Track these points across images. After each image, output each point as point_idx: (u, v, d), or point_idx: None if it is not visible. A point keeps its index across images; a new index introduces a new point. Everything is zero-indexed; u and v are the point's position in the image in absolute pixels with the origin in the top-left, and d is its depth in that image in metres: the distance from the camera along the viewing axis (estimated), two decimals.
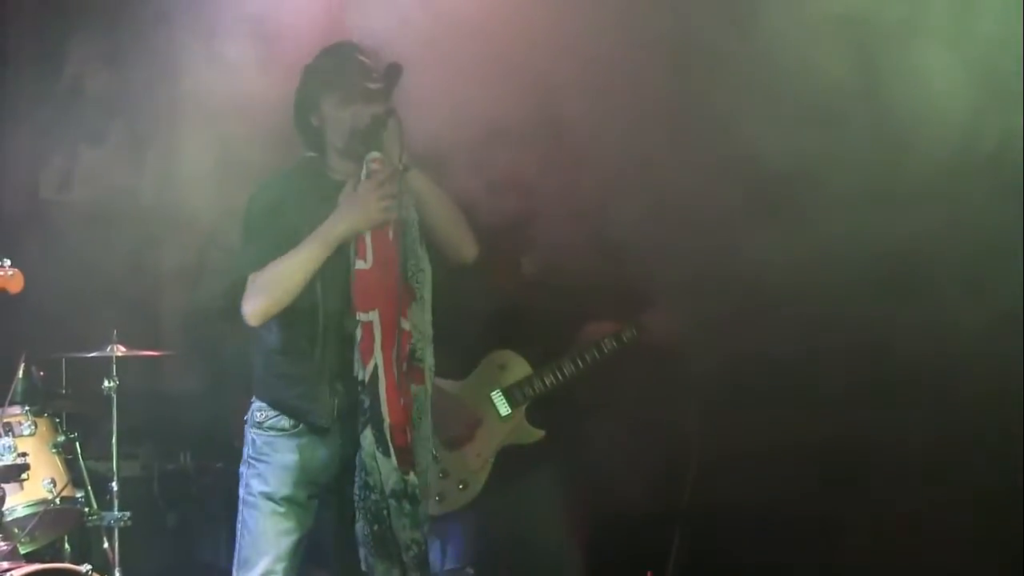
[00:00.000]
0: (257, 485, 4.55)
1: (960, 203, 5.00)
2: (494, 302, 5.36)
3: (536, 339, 5.47)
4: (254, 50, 5.45)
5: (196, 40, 5.71)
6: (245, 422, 4.63)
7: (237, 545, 4.61)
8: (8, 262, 5.38)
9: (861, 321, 5.35)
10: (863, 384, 5.51)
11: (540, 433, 5.44)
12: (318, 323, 4.47)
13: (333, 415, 4.49)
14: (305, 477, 4.53)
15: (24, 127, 7.21)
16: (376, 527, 4.39)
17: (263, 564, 4.51)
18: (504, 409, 5.43)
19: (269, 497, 4.53)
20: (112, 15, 5.94)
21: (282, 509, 4.52)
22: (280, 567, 4.51)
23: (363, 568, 4.45)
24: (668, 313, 5.42)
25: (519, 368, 5.47)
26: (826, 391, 5.54)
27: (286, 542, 4.53)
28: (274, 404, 4.54)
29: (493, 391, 5.44)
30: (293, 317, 4.47)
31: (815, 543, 5.99)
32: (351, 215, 4.47)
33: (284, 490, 4.52)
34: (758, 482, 5.87)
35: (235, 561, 4.60)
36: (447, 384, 5.27)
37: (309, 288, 4.44)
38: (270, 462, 4.54)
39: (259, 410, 4.57)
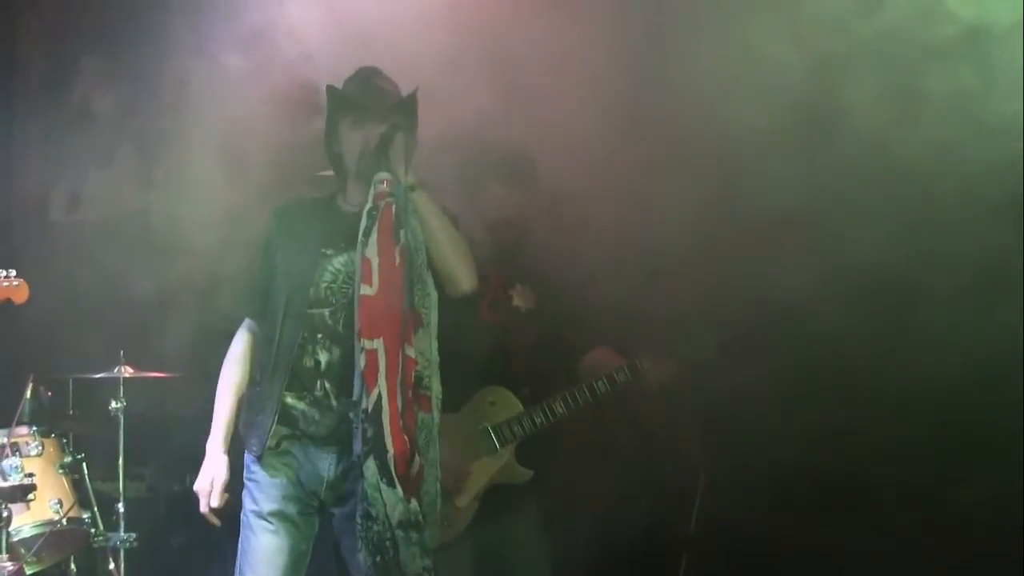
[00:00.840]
0: (249, 504, 4.59)
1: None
2: (484, 335, 5.33)
3: (526, 377, 5.41)
4: (263, 71, 5.46)
5: (204, 60, 5.72)
6: None
7: (236, 566, 4.62)
8: (14, 272, 5.41)
9: (863, 341, 5.36)
10: (867, 406, 5.51)
11: (529, 473, 5.32)
12: (271, 354, 4.54)
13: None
14: (293, 492, 4.54)
15: (33, 149, 7.24)
16: (379, 558, 4.36)
17: None
18: (493, 447, 5.37)
19: (259, 515, 4.54)
20: (121, 38, 5.96)
21: (272, 526, 4.53)
22: None
23: None
24: (660, 355, 5.36)
25: (509, 406, 5.33)
26: (829, 415, 5.54)
27: (280, 560, 4.53)
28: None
29: (483, 428, 5.38)
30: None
31: (822, 568, 5.99)
32: None
33: (272, 506, 4.53)
34: (764, 507, 5.86)
35: None
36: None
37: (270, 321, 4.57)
38: (258, 480, 4.57)
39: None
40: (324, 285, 4.54)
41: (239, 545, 4.63)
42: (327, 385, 4.52)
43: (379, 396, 4.36)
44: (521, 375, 5.35)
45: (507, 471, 5.32)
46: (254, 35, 5.58)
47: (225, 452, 4.64)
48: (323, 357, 4.52)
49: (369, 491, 4.37)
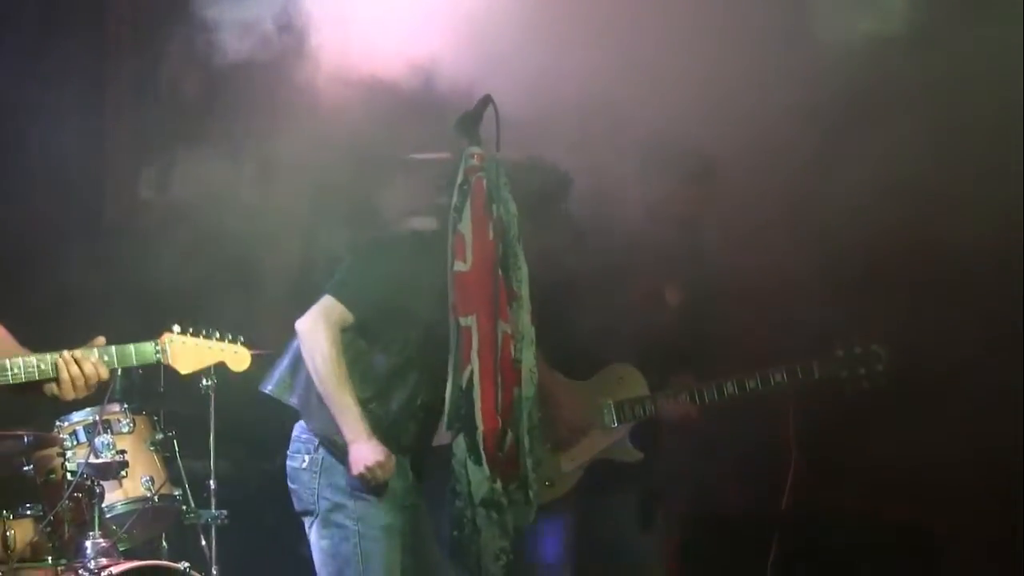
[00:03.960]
0: (355, 515, 4.70)
1: None
2: (630, 318, 5.33)
3: (660, 364, 5.42)
4: (352, 59, 5.45)
5: (292, 40, 5.72)
6: None
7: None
8: (241, 339, 4.87)
9: None
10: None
11: (639, 455, 5.38)
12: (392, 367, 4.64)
13: None
14: (398, 502, 4.69)
15: (125, 129, 7.28)
16: (456, 533, 4.38)
17: None
18: (611, 422, 5.37)
19: (371, 526, 4.67)
20: (210, 19, 5.96)
21: (386, 537, 4.67)
22: None
23: None
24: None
25: (636, 386, 5.43)
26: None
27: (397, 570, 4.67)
28: None
29: (605, 401, 5.38)
30: None
31: (914, 550, 5.94)
32: None
33: (385, 519, 4.69)
34: (857, 489, 5.83)
35: None
36: (567, 382, 5.28)
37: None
38: (367, 498, 4.69)
39: None
40: None
41: (340, 555, 4.69)
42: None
43: (471, 373, 4.36)
44: (655, 360, 5.37)
45: (618, 448, 5.36)
46: (338, 19, 5.55)
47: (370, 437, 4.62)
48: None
49: (456, 467, 4.40)
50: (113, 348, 4.37)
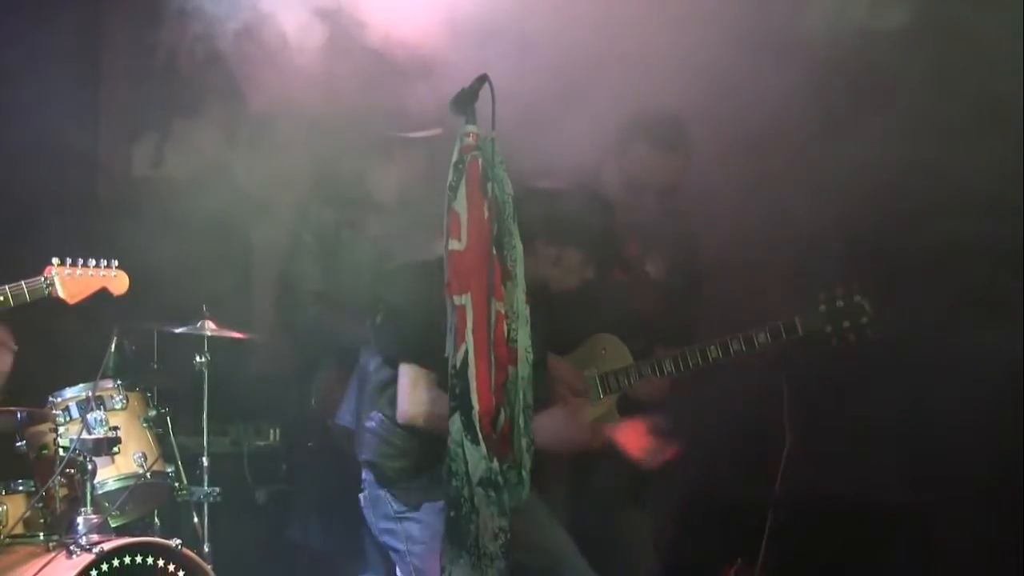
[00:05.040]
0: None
1: None
2: (611, 291, 5.35)
3: (641, 333, 5.43)
4: (348, 34, 5.43)
5: (291, 15, 5.70)
6: None
7: None
8: (116, 263, 5.43)
9: None
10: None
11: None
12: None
13: None
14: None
15: (119, 105, 7.27)
16: (452, 513, 4.37)
17: None
18: (596, 394, 5.38)
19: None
20: None
21: None
22: None
23: None
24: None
25: (620, 357, 5.43)
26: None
27: None
28: None
29: (591, 374, 5.39)
30: None
31: (907, 530, 5.97)
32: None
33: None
34: (849, 470, 5.85)
35: None
36: (554, 356, 5.29)
37: None
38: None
39: None
40: None
41: None
42: None
43: (466, 352, 4.34)
44: (637, 331, 5.38)
45: (606, 419, 5.34)
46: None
47: None
48: None
49: (452, 447, 4.37)
50: (7, 287, 4.64)
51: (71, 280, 5.40)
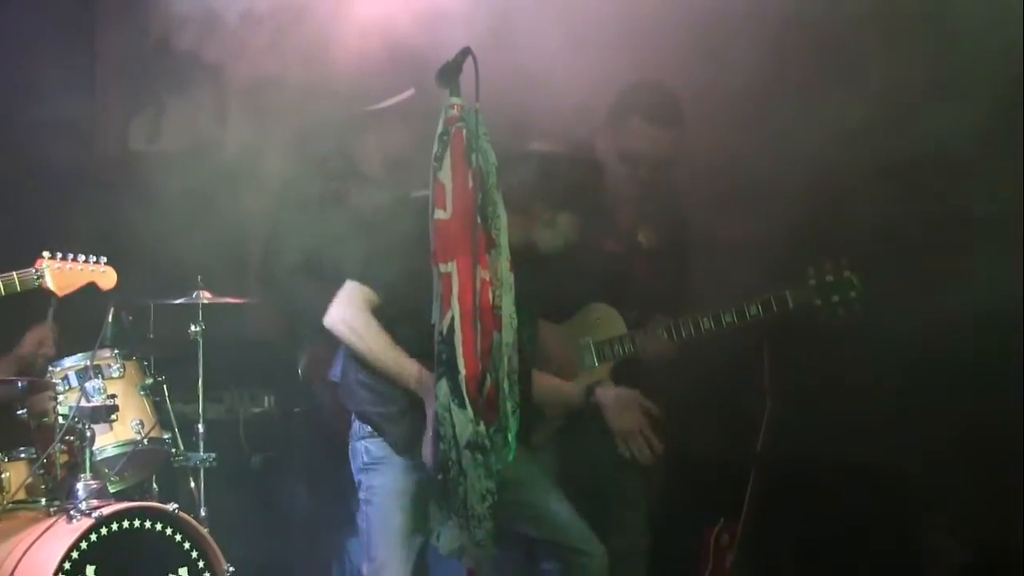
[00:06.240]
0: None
1: None
2: (604, 260, 5.43)
3: (635, 302, 5.50)
4: (340, 10, 5.50)
5: None
6: None
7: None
8: (104, 259, 5.54)
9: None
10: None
11: None
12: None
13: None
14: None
15: (115, 81, 7.31)
16: (441, 476, 4.48)
17: None
18: (591, 362, 5.45)
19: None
20: None
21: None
22: None
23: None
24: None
25: (614, 325, 5.47)
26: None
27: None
28: None
29: (585, 342, 5.46)
30: None
31: (888, 492, 6.02)
32: None
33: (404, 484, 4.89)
34: (832, 431, 5.91)
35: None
36: (547, 324, 5.33)
37: None
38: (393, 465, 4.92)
39: None
40: None
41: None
42: None
43: (452, 319, 4.43)
44: (631, 300, 5.45)
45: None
46: None
47: None
48: None
49: (440, 411, 4.46)
50: None
51: (60, 273, 5.53)
